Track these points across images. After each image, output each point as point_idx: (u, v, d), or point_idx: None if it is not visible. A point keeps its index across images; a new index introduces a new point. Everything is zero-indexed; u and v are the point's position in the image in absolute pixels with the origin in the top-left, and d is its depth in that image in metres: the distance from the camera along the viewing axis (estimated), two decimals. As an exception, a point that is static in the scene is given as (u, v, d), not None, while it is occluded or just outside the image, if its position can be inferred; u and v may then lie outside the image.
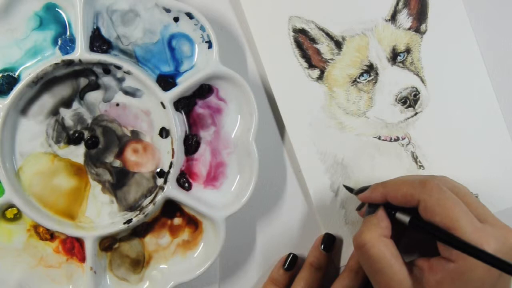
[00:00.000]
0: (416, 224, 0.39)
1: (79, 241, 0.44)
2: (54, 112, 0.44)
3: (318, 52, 0.47)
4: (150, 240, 0.45)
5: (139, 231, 0.45)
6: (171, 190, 0.44)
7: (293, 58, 0.47)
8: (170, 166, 0.44)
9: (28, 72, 0.43)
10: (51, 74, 0.43)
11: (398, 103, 0.47)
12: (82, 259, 0.44)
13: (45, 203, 0.44)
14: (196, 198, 0.44)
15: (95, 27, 0.43)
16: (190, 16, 0.43)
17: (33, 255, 0.44)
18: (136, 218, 0.44)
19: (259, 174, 0.44)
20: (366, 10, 0.47)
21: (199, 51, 0.44)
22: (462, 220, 0.36)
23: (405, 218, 0.39)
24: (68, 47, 0.43)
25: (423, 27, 0.47)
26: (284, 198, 0.48)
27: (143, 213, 0.44)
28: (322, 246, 0.47)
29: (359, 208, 0.44)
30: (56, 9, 0.43)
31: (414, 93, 0.47)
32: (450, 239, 0.36)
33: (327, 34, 0.47)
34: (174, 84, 0.44)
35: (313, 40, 0.47)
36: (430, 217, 0.37)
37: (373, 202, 0.42)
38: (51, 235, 0.44)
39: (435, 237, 0.37)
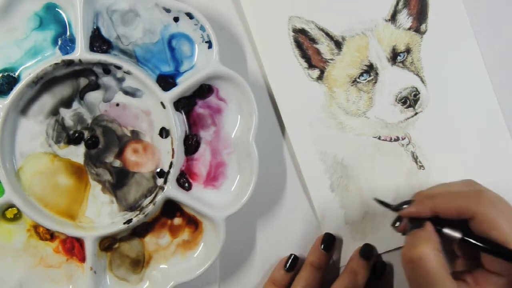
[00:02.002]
0: (470, 239, 0.37)
1: (79, 241, 0.44)
2: (54, 112, 0.44)
3: (318, 52, 0.47)
4: (150, 240, 0.45)
5: (139, 231, 0.45)
6: (171, 190, 0.44)
7: (293, 58, 0.47)
8: (170, 166, 0.44)
9: (28, 72, 0.43)
10: (51, 74, 0.43)
11: (398, 103, 0.47)
12: (82, 259, 0.44)
13: (45, 203, 0.44)
14: (196, 198, 0.44)
15: (95, 27, 0.43)
16: (190, 16, 0.43)
17: (33, 255, 0.44)
18: (136, 218, 0.44)
19: (259, 174, 0.43)
20: (366, 10, 0.47)
21: (199, 51, 0.44)
22: None
23: (455, 234, 0.38)
24: (68, 47, 0.43)
25: (423, 27, 0.47)
26: (284, 198, 0.48)
27: (143, 213, 0.44)
28: (322, 246, 0.47)
29: (394, 223, 0.42)
30: (56, 9, 0.43)
31: (414, 93, 0.47)
32: (507, 254, 0.35)
33: (327, 34, 0.47)
34: (174, 84, 0.44)
35: (313, 40, 0.47)
36: (485, 231, 0.36)
37: (420, 216, 0.39)
38: (51, 235, 0.44)
39: (488, 252, 0.36)
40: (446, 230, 0.38)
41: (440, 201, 0.39)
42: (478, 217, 0.37)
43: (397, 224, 0.41)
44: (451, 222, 0.38)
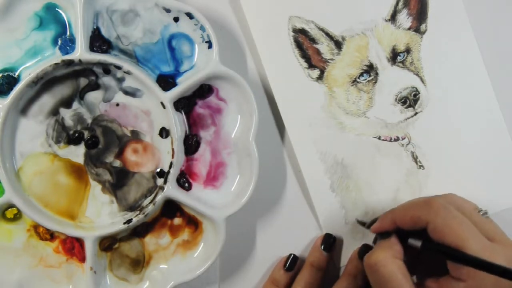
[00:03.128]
0: (428, 247, 0.39)
1: (79, 241, 0.44)
2: (54, 112, 0.44)
3: (318, 52, 0.47)
4: (150, 240, 0.45)
5: (139, 231, 0.45)
6: (171, 190, 0.44)
7: (293, 58, 0.47)
8: (170, 166, 0.44)
9: (28, 72, 0.43)
10: (51, 74, 0.43)
11: (398, 103, 0.47)
12: (82, 259, 0.44)
13: (45, 203, 0.44)
14: (196, 198, 0.44)
15: (95, 27, 0.43)
16: (190, 16, 0.43)
17: (33, 255, 0.44)
18: (136, 218, 0.44)
19: (259, 174, 0.43)
20: (366, 10, 0.47)
21: (199, 51, 0.44)
22: (470, 239, 0.37)
23: (416, 243, 0.40)
24: (68, 47, 0.43)
25: (423, 27, 0.47)
26: (284, 198, 0.48)
27: (143, 213, 0.44)
28: (322, 246, 0.47)
29: (375, 242, 0.45)
30: (56, 9, 0.43)
31: (414, 93, 0.47)
32: (461, 257, 0.36)
33: (327, 34, 0.47)
34: (174, 84, 0.44)
35: (313, 40, 0.47)
36: (440, 237, 0.38)
37: (384, 230, 0.42)
38: (51, 235, 0.44)
39: (446, 257, 0.38)
40: (410, 240, 0.40)
41: (398, 213, 0.41)
42: (430, 225, 0.38)
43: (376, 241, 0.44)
44: (419, 233, 0.40)
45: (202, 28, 0.43)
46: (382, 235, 0.42)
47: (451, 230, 0.37)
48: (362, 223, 0.46)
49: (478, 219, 0.39)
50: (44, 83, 0.43)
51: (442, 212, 0.38)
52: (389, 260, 0.39)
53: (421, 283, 0.40)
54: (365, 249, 0.46)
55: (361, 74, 0.47)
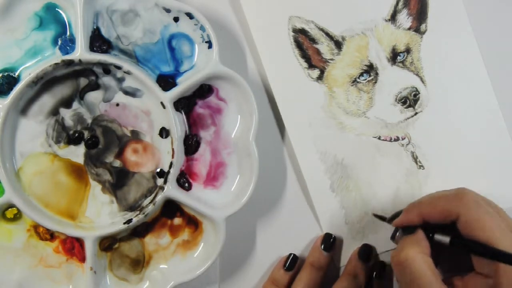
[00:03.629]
0: (458, 242, 0.38)
1: (79, 241, 0.44)
2: (54, 112, 0.44)
3: (318, 52, 0.47)
4: (150, 240, 0.45)
5: (139, 231, 0.45)
6: (171, 190, 0.44)
7: (293, 58, 0.47)
8: (170, 166, 0.44)
9: (28, 72, 0.43)
10: (51, 74, 0.43)
11: (398, 103, 0.47)
12: (82, 259, 0.44)
13: (45, 203, 0.44)
14: (196, 198, 0.44)
15: (95, 27, 0.43)
16: (190, 16, 0.43)
17: (33, 255, 0.44)
18: (136, 218, 0.44)
19: (259, 174, 0.43)
20: (366, 10, 0.47)
21: (199, 51, 0.44)
22: (501, 235, 0.36)
23: (444, 239, 0.39)
24: (68, 47, 0.43)
25: (423, 27, 0.47)
26: (284, 198, 0.48)
27: (143, 213, 0.44)
28: (322, 246, 0.47)
29: (393, 237, 0.43)
30: (56, 9, 0.43)
31: (414, 93, 0.47)
32: (495, 253, 0.36)
33: (327, 34, 0.47)
34: (174, 84, 0.44)
35: (313, 40, 0.47)
36: (470, 232, 0.37)
37: (410, 224, 0.41)
38: (51, 235, 0.44)
39: (476, 253, 0.37)
40: (437, 236, 0.39)
41: (425, 206, 0.40)
42: (461, 218, 0.37)
43: (397, 235, 0.42)
44: (443, 227, 0.39)
45: (202, 28, 0.43)
46: (405, 230, 0.41)
47: (483, 225, 0.36)
48: (382, 218, 0.44)
49: (503, 214, 0.39)
50: (44, 83, 0.43)
51: (474, 206, 0.37)
52: (419, 256, 0.37)
53: (444, 280, 0.39)
54: (365, 249, 0.46)
55: (361, 74, 0.47)
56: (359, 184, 0.48)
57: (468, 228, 0.37)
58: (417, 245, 0.38)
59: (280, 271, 0.47)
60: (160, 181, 0.45)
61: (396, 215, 0.42)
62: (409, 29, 0.47)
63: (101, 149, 0.45)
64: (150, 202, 0.44)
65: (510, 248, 0.35)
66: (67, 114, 0.44)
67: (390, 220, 0.43)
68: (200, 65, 0.44)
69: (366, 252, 0.46)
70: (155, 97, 0.44)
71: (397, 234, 0.42)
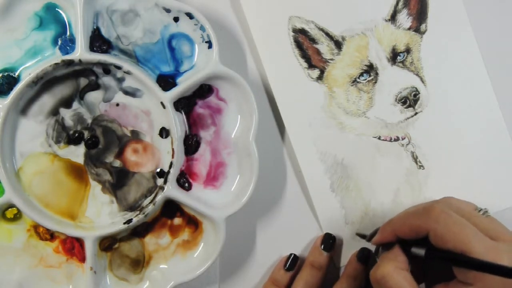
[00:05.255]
0: (432, 255, 0.38)
1: (79, 241, 0.44)
2: (54, 112, 0.44)
3: (318, 52, 0.47)
4: (150, 240, 0.45)
5: (139, 231, 0.45)
6: (171, 190, 0.44)
7: (293, 58, 0.47)
8: (170, 166, 0.44)
9: (28, 72, 0.43)
10: (51, 74, 0.43)
11: (398, 103, 0.47)
12: (82, 259, 0.44)
13: (45, 203, 0.44)
14: (196, 198, 0.44)
15: (95, 27, 0.43)
16: (190, 16, 0.43)
17: (33, 255, 0.44)
18: (136, 218, 0.44)
19: (259, 174, 0.43)
20: (366, 10, 0.47)
21: (199, 51, 0.44)
22: (473, 242, 0.36)
23: (420, 251, 0.39)
24: (68, 47, 0.43)
25: (423, 27, 0.47)
26: (284, 198, 0.48)
27: (143, 213, 0.44)
28: (322, 246, 0.47)
29: (376, 253, 0.44)
30: (56, 9, 0.43)
31: (414, 93, 0.47)
32: (466, 262, 0.36)
33: (327, 34, 0.47)
34: (174, 84, 0.44)
35: (313, 40, 0.47)
36: (442, 244, 0.37)
37: (385, 242, 0.41)
38: (51, 235, 0.44)
39: (451, 263, 0.37)
40: (413, 249, 0.39)
41: (397, 224, 0.41)
42: (431, 233, 0.38)
43: (380, 251, 0.44)
44: (423, 240, 0.39)
45: (202, 28, 0.43)
46: (384, 246, 0.42)
47: (453, 235, 0.37)
48: (363, 236, 0.45)
49: (478, 220, 0.39)
50: (44, 83, 0.43)
51: (442, 218, 0.38)
52: (395, 272, 0.38)
53: None
54: (363, 253, 0.46)
55: (361, 74, 0.47)
56: (359, 184, 0.48)
57: (439, 240, 0.38)
58: (394, 261, 0.39)
59: (281, 271, 0.47)
60: (160, 181, 0.45)
61: (374, 233, 0.43)
62: (409, 29, 0.47)
63: (101, 149, 0.45)
64: (150, 202, 0.44)
65: (484, 253, 0.36)
66: (67, 114, 0.44)
67: (369, 238, 0.44)
68: (200, 65, 0.44)
69: (365, 255, 0.46)
70: (155, 97, 0.44)
71: (380, 250, 0.43)
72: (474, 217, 0.39)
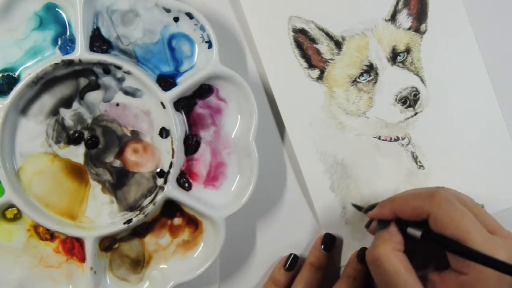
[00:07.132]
0: (428, 237, 0.38)
1: (79, 241, 0.44)
2: (54, 112, 0.44)
3: (318, 52, 0.47)
4: (150, 240, 0.45)
5: (139, 231, 0.45)
6: (171, 190, 0.44)
7: (293, 58, 0.47)
8: (170, 166, 0.44)
9: (28, 72, 0.43)
10: (51, 74, 0.43)
11: (398, 103, 0.47)
12: (82, 259, 0.44)
13: (45, 203, 0.44)
14: (196, 198, 0.44)
15: (95, 27, 0.43)
16: (190, 16, 0.43)
17: (33, 255, 0.44)
18: (136, 218, 0.44)
19: (259, 174, 0.44)
20: (366, 10, 0.47)
21: (199, 51, 0.44)
22: (472, 232, 0.36)
23: (416, 232, 0.39)
24: (68, 47, 0.43)
25: (423, 27, 0.47)
26: (284, 198, 0.48)
27: (143, 213, 0.44)
28: (322, 246, 0.47)
29: (367, 225, 0.44)
30: (56, 9, 0.43)
31: (414, 93, 0.47)
32: (462, 250, 0.36)
33: (327, 34, 0.47)
34: (174, 84, 0.44)
35: (313, 40, 0.47)
36: (441, 229, 0.37)
37: (383, 218, 0.41)
38: (51, 235, 0.44)
39: (447, 249, 0.37)
40: (409, 229, 0.39)
41: (398, 203, 0.40)
42: (432, 216, 0.38)
43: (371, 225, 0.44)
44: (417, 222, 0.39)
45: (202, 28, 0.43)
46: (380, 223, 0.42)
47: (453, 222, 0.37)
48: (359, 207, 0.45)
49: (479, 212, 0.39)
50: (44, 83, 0.43)
51: (445, 204, 0.38)
52: (391, 254, 0.38)
53: (423, 275, 0.39)
54: (363, 254, 0.46)
55: (361, 74, 0.47)
56: (359, 184, 0.48)
57: (438, 225, 0.37)
58: (389, 242, 0.39)
59: (281, 271, 0.47)
60: (160, 181, 0.45)
61: (372, 206, 0.43)
62: (409, 29, 0.47)
63: (101, 149, 0.45)
64: (150, 202, 0.44)
65: (481, 244, 0.36)
66: (67, 114, 0.44)
67: (366, 210, 0.44)
68: (200, 65, 0.44)
69: (364, 255, 0.46)
70: (155, 97, 0.44)
71: (376, 226, 0.42)
72: (475, 208, 0.39)
